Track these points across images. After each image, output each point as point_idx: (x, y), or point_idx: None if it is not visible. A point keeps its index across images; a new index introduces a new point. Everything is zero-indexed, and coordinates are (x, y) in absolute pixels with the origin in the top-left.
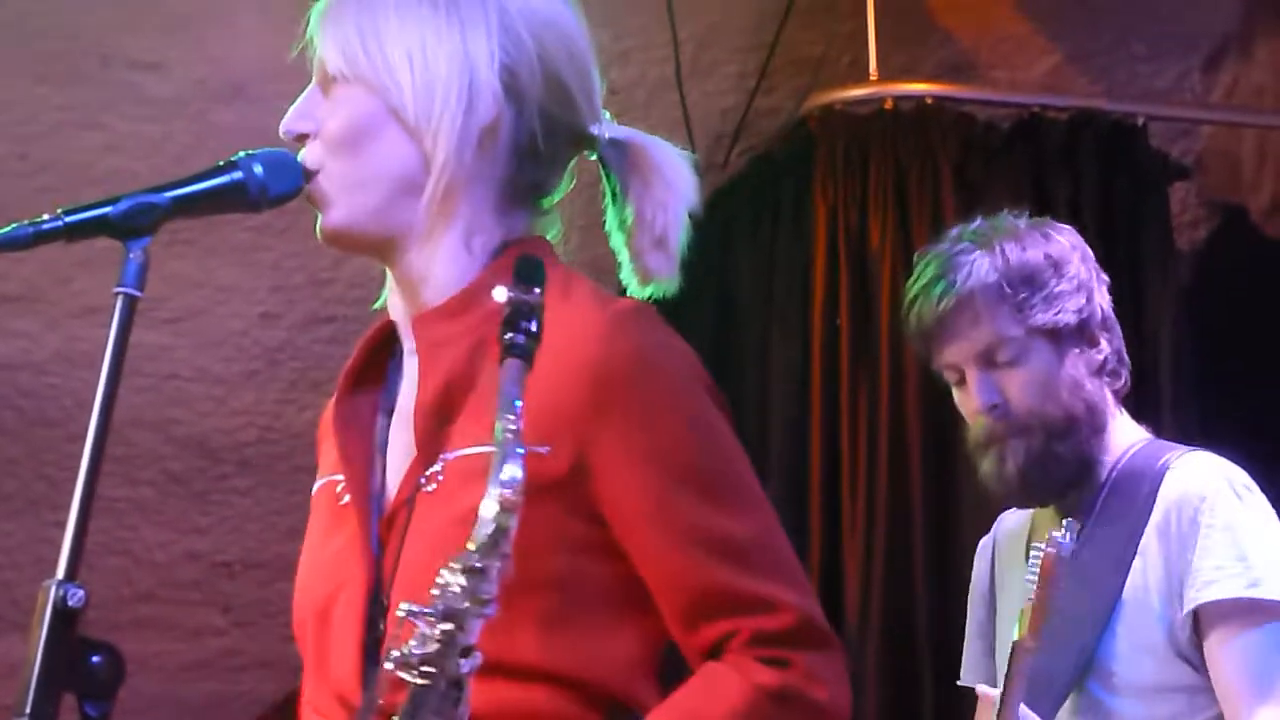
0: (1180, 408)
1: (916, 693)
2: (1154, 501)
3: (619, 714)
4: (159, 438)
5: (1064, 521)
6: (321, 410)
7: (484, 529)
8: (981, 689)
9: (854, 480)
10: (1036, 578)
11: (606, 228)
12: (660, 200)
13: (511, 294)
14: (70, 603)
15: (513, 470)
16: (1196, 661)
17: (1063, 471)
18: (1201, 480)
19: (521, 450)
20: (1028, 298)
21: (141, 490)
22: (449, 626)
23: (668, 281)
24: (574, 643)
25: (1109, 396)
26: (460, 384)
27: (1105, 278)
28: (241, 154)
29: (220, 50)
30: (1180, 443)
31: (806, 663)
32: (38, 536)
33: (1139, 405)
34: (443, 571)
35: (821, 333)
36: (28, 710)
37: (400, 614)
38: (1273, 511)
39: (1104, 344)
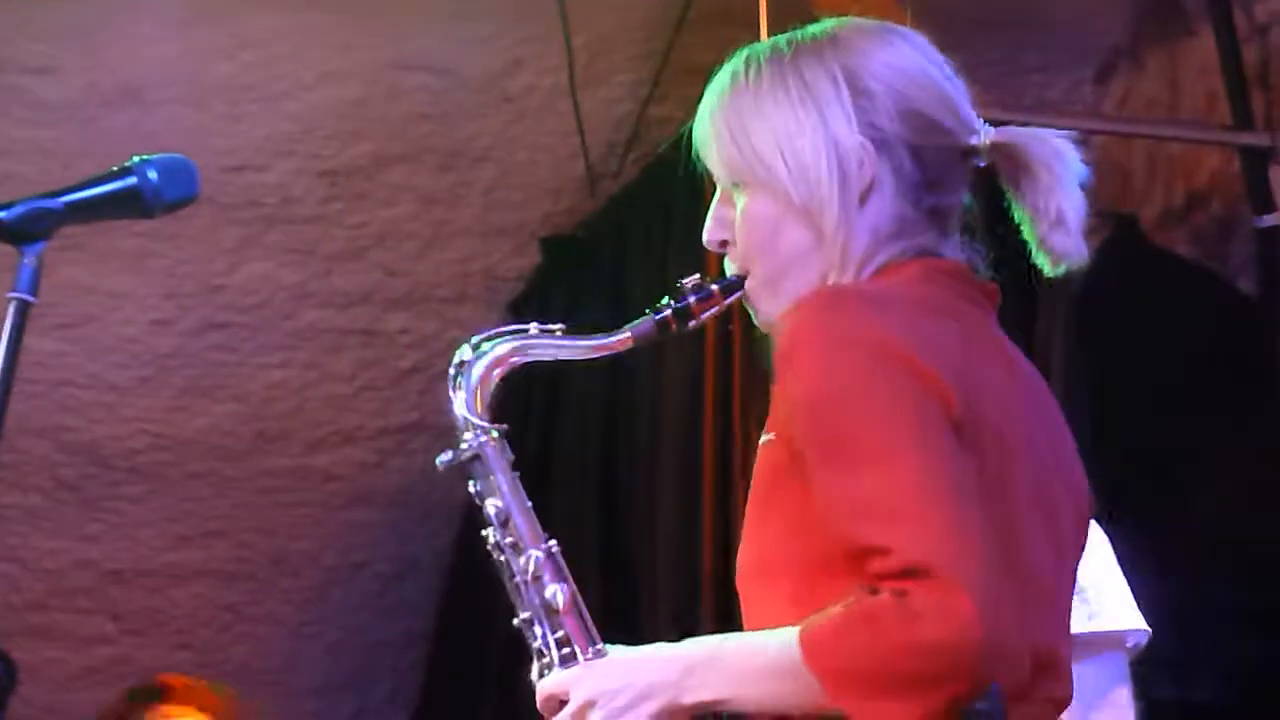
0: (1072, 416)
1: None
2: None
3: None
4: (50, 444)
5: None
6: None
7: None
8: None
9: (747, 484)
10: None
11: (1016, 222)
12: (1047, 186)
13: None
14: None
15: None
16: None
17: None
18: None
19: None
20: None
21: (31, 497)
22: None
23: (1077, 259)
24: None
25: None
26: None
27: None
28: (136, 159)
29: (113, 55)
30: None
31: (910, 600)
32: None
33: None
34: None
35: (714, 338)
36: None
37: None
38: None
39: None
